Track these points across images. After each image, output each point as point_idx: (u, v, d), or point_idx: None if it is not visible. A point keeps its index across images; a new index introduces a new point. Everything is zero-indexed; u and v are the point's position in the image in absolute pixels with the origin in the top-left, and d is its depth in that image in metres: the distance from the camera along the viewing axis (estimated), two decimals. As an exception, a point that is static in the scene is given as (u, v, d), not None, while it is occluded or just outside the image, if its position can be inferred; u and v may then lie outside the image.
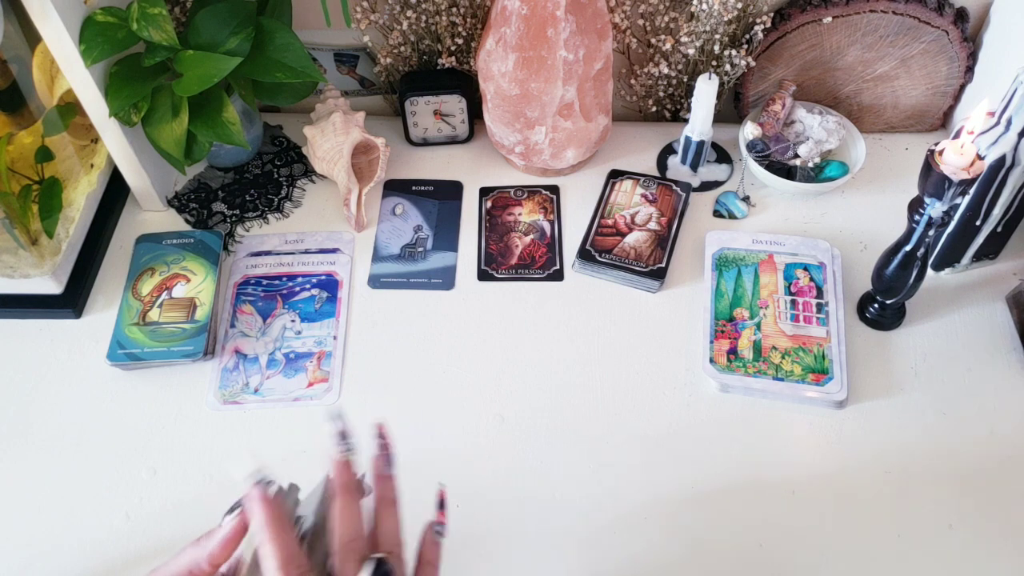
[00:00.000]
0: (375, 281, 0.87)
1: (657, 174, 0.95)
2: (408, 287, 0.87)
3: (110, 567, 0.69)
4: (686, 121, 0.92)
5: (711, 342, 0.79)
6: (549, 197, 0.93)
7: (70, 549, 0.70)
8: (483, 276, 0.87)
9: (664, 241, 0.87)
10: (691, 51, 0.90)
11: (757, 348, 0.78)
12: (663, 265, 0.85)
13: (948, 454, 0.73)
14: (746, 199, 0.92)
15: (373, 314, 0.85)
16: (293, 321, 0.84)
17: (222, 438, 0.76)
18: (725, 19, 0.87)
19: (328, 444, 0.46)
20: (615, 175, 0.94)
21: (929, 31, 0.87)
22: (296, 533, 0.43)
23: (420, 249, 0.90)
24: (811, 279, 0.83)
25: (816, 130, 0.91)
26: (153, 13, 0.75)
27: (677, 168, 0.95)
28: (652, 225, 0.89)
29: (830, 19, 0.87)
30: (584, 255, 0.86)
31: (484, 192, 0.94)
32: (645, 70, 0.95)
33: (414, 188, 0.95)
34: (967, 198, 0.77)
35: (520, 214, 0.92)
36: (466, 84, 0.94)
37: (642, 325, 0.82)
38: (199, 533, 0.70)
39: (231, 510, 0.45)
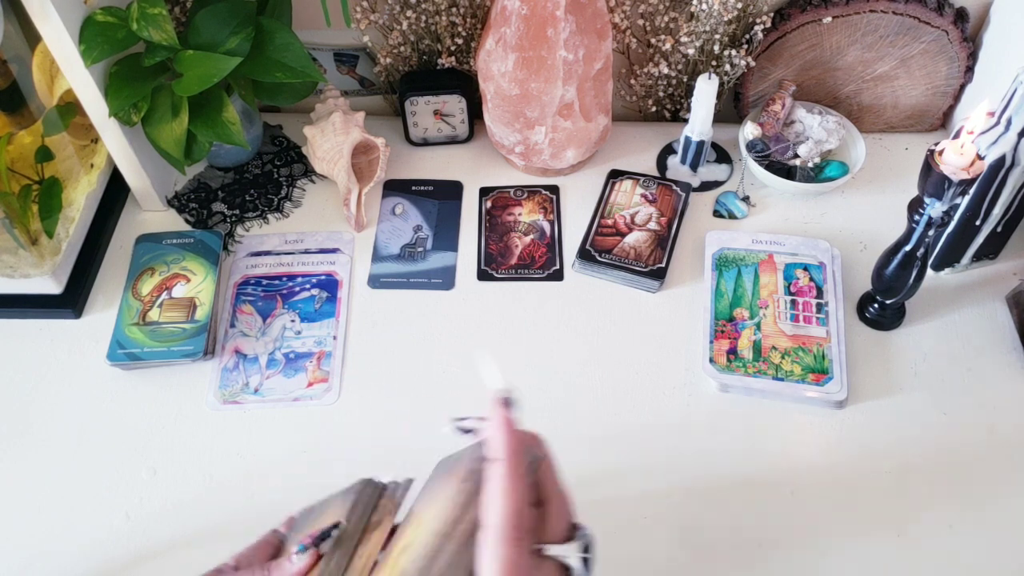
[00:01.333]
0: (375, 281, 0.87)
1: (657, 174, 0.95)
2: (408, 287, 0.87)
3: (110, 567, 0.69)
4: (686, 121, 0.92)
5: (711, 342, 0.79)
6: (549, 197, 0.93)
7: (70, 549, 0.70)
8: (483, 276, 0.87)
9: (664, 241, 0.87)
10: (691, 51, 0.90)
11: (757, 348, 0.78)
12: (663, 265, 0.85)
13: (948, 454, 0.73)
14: (746, 199, 0.92)
15: (373, 314, 0.85)
16: (293, 321, 0.84)
17: (222, 438, 0.76)
18: (725, 19, 0.87)
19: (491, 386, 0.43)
20: (615, 175, 0.94)
21: (929, 31, 0.87)
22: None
23: (420, 249, 0.90)
24: (811, 279, 0.83)
25: (816, 130, 0.91)
26: (153, 13, 0.75)
27: (677, 168, 0.95)
28: (652, 225, 0.89)
29: (830, 19, 0.87)
30: (584, 255, 0.86)
31: (484, 192, 0.94)
32: (645, 70, 0.95)
33: (414, 188, 0.95)
34: (967, 198, 0.77)
35: (520, 214, 0.92)
36: (466, 84, 0.94)
37: (642, 325, 0.82)
38: (199, 533, 0.71)
39: (302, 549, 0.44)
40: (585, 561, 0.40)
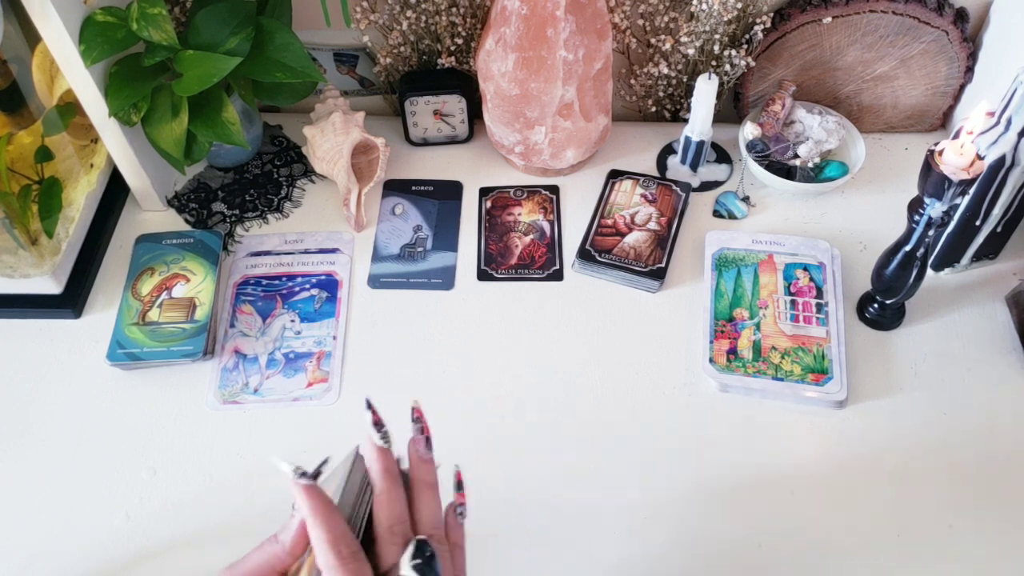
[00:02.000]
0: (375, 281, 0.87)
1: (657, 174, 0.95)
2: (408, 287, 0.87)
3: (110, 567, 0.69)
4: (686, 121, 0.92)
5: (711, 342, 0.79)
6: (549, 197, 0.93)
7: (70, 549, 0.70)
8: (483, 276, 0.87)
9: (664, 241, 0.87)
10: (691, 51, 0.90)
11: (757, 348, 0.78)
12: (663, 265, 0.85)
13: (948, 454, 0.73)
14: (746, 199, 0.92)
15: (373, 314, 0.85)
16: (293, 321, 0.84)
17: (222, 438, 0.76)
18: (725, 19, 0.87)
19: (366, 431, 0.46)
20: (615, 175, 0.94)
21: (929, 31, 0.87)
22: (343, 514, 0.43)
23: (420, 249, 0.90)
24: (811, 279, 0.83)
25: (816, 130, 0.91)
26: (153, 13, 0.75)
27: (677, 168, 0.95)
28: (652, 225, 0.89)
29: (830, 19, 0.87)
30: (584, 255, 0.86)
31: (484, 192, 0.94)
32: (645, 70, 0.95)
33: (414, 188, 0.95)
34: (967, 198, 0.77)
35: (520, 214, 0.92)
36: (466, 84, 0.94)
37: (642, 325, 0.82)
38: (199, 533, 0.71)
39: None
40: (419, 568, 0.41)
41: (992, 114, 0.73)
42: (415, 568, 0.41)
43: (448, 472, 0.49)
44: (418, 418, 0.48)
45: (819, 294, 0.82)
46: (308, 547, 0.44)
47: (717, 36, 0.88)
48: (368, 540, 0.44)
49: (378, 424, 0.46)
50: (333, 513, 0.42)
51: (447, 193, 0.95)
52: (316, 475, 0.45)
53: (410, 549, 0.42)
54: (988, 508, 0.70)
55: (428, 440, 0.48)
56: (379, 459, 0.45)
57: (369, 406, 0.46)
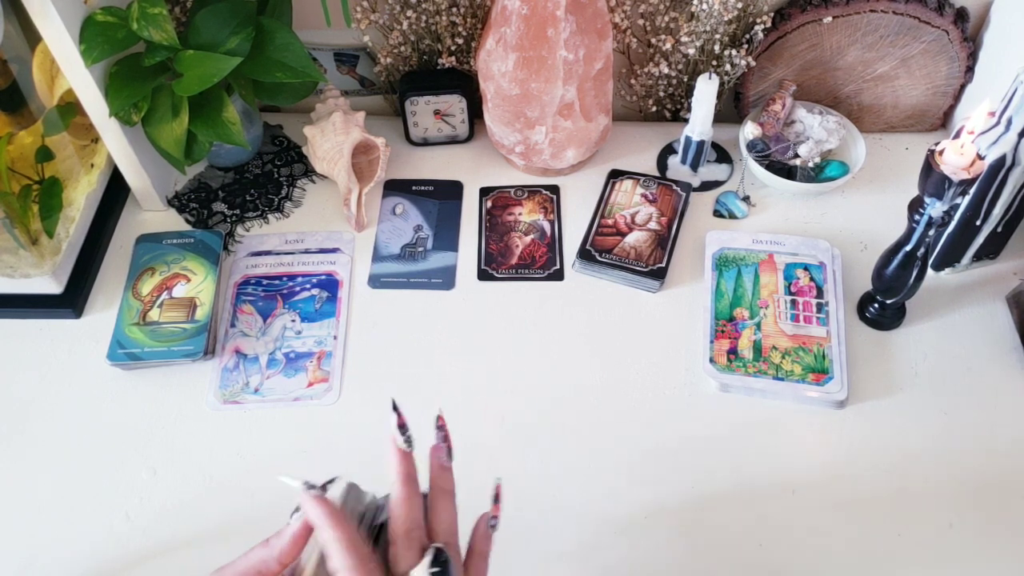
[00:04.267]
0: (375, 281, 0.87)
1: (657, 174, 0.95)
2: (408, 287, 0.87)
3: (110, 567, 0.69)
4: (686, 121, 0.92)
5: (711, 342, 0.79)
6: (549, 197, 0.93)
7: (70, 549, 0.70)
8: (483, 276, 0.87)
9: (664, 241, 0.87)
10: (691, 51, 0.90)
11: (757, 348, 0.78)
12: (663, 265, 0.85)
13: (948, 453, 0.73)
14: (746, 199, 0.92)
15: (373, 314, 0.85)
16: (293, 321, 0.84)
17: (222, 438, 0.76)
18: (725, 19, 0.87)
19: (390, 432, 0.46)
20: (615, 175, 0.94)
21: (929, 31, 0.87)
22: (362, 530, 0.44)
23: (420, 249, 0.90)
24: (811, 279, 0.83)
25: (816, 130, 0.91)
26: (153, 13, 0.75)
27: (677, 168, 0.95)
28: (652, 225, 0.89)
29: (830, 19, 0.87)
30: (584, 255, 0.86)
31: (484, 192, 0.94)
32: (645, 70, 0.95)
33: (414, 188, 0.95)
34: (967, 198, 0.77)
35: (520, 214, 0.92)
36: (466, 84, 0.94)
37: (642, 325, 0.82)
38: (199, 533, 0.71)
39: (297, 509, 0.45)
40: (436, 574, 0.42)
41: (992, 114, 0.73)
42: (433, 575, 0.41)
43: (478, 480, 0.49)
44: (441, 426, 0.49)
45: (819, 294, 0.82)
46: (300, 556, 0.44)
47: (717, 36, 0.88)
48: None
49: (403, 427, 0.46)
50: (346, 519, 0.43)
51: (447, 193, 0.95)
52: (324, 489, 0.45)
53: (429, 556, 0.42)
54: (988, 508, 0.70)
55: (449, 449, 0.48)
56: (401, 463, 0.45)
57: (395, 408, 0.46)
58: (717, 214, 0.91)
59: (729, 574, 0.68)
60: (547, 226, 0.91)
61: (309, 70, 0.82)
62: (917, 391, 0.77)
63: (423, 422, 0.76)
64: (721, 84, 0.91)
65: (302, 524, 0.45)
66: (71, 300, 0.85)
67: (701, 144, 0.91)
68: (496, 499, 0.49)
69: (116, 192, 0.93)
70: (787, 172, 0.90)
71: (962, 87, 0.93)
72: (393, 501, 0.45)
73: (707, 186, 0.93)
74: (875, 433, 0.74)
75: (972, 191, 0.76)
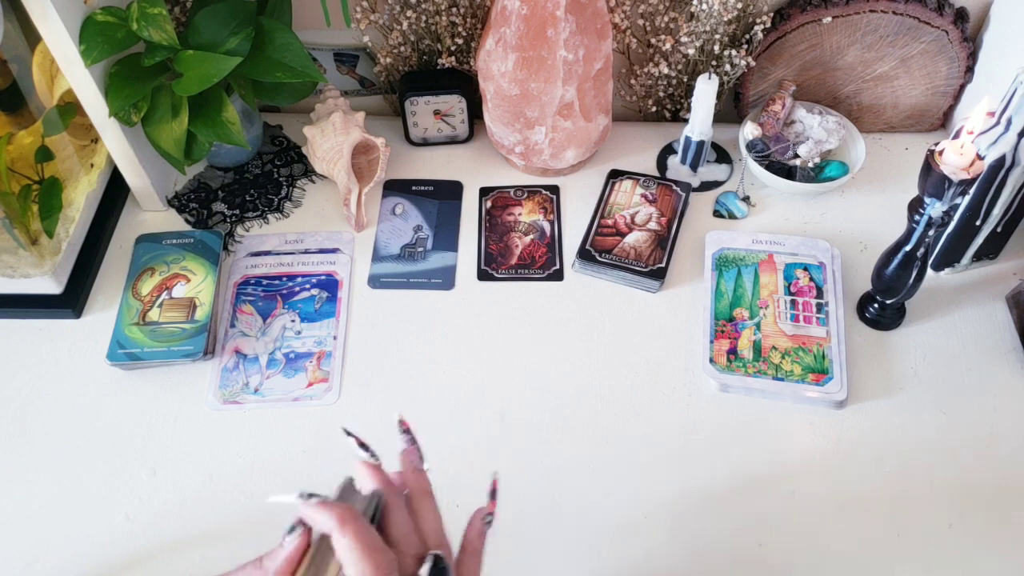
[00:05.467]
0: (375, 281, 0.87)
1: (657, 174, 0.95)
2: (408, 287, 0.87)
3: (110, 567, 0.69)
4: (686, 121, 0.92)
5: (711, 342, 0.79)
6: (549, 197, 0.93)
7: (70, 549, 0.70)
8: (483, 276, 0.87)
9: (664, 241, 0.87)
10: (691, 51, 0.90)
11: (757, 348, 0.78)
12: (663, 265, 0.85)
13: (948, 454, 0.73)
14: (746, 199, 0.92)
15: (373, 314, 0.85)
16: (293, 321, 0.84)
17: (222, 438, 0.76)
18: (725, 19, 0.87)
19: (353, 453, 0.46)
20: (615, 175, 0.94)
21: (929, 31, 0.87)
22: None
23: (420, 249, 0.90)
24: (811, 279, 0.83)
25: (816, 130, 0.91)
26: (153, 13, 0.75)
27: (677, 168, 0.95)
28: (652, 225, 0.89)
29: (830, 19, 0.87)
30: (584, 255, 0.86)
31: (484, 192, 0.94)
32: (645, 70, 0.95)
33: (414, 188, 0.95)
34: (967, 198, 0.77)
35: (520, 214, 0.92)
36: (466, 84, 0.94)
37: (642, 325, 0.82)
38: (199, 533, 0.71)
39: (291, 529, 0.45)
40: None
41: (992, 114, 0.73)
42: None
43: (478, 480, 0.48)
44: (407, 430, 0.49)
45: (819, 294, 0.82)
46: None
47: (717, 36, 0.88)
48: None
49: (363, 446, 0.47)
50: (360, 519, 0.42)
51: (447, 193, 0.95)
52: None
53: (428, 564, 0.42)
54: (988, 508, 0.70)
55: (419, 450, 0.48)
56: (374, 476, 0.46)
57: (349, 433, 0.47)
58: (717, 214, 0.91)
59: (728, 574, 0.68)
60: (547, 226, 0.91)
61: (309, 70, 0.82)
62: (917, 391, 0.77)
63: (423, 422, 0.76)
64: (721, 84, 0.91)
65: (297, 546, 0.44)
66: (71, 300, 0.85)
67: (701, 144, 0.91)
68: (492, 495, 0.49)
69: (116, 192, 0.93)
70: (787, 172, 0.90)
71: (962, 87, 0.93)
72: (382, 512, 0.44)
73: (707, 186, 0.93)
74: (875, 433, 0.74)
75: (972, 191, 0.76)
